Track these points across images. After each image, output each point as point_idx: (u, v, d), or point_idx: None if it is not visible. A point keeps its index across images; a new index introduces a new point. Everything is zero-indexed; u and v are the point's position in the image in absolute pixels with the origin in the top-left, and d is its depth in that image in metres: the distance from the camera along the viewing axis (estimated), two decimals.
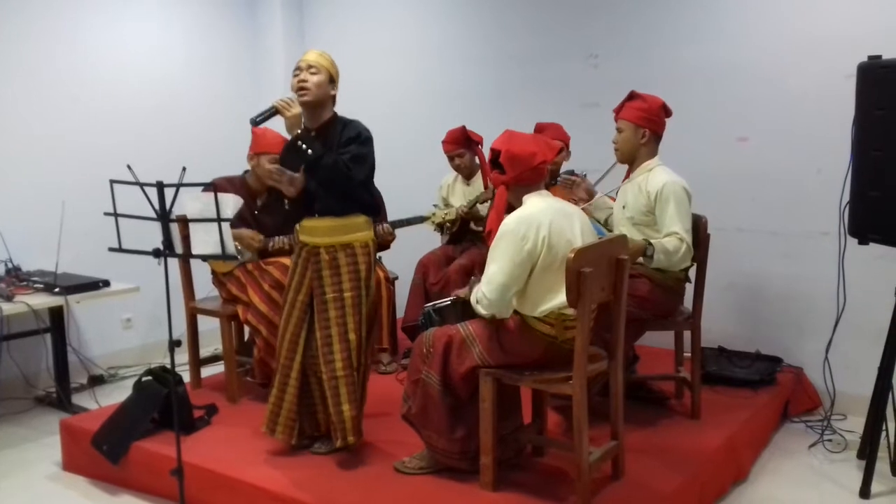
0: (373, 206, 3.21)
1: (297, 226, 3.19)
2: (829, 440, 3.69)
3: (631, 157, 3.48)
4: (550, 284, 2.69)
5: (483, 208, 4.40)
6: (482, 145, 4.44)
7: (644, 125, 3.42)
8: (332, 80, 3.10)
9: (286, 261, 3.85)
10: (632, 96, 3.48)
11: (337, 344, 3.08)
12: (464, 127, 4.45)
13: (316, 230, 3.11)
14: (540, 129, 4.10)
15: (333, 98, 3.13)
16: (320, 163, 2.95)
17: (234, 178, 4.02)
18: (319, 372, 3.15)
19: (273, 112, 3.01)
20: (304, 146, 2.95)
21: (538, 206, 2.73)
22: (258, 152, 3.91)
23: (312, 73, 3.03)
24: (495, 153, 2.81)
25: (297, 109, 2.97)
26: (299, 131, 2.97)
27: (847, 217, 3.25)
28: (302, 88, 3.02)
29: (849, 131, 3.21)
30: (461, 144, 4.47)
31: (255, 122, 3.08)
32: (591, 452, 2.76)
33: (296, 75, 3.06)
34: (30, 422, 4.21)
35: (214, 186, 2.75)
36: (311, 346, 3.16)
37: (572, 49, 4.78)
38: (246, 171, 4.07)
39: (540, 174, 2.81)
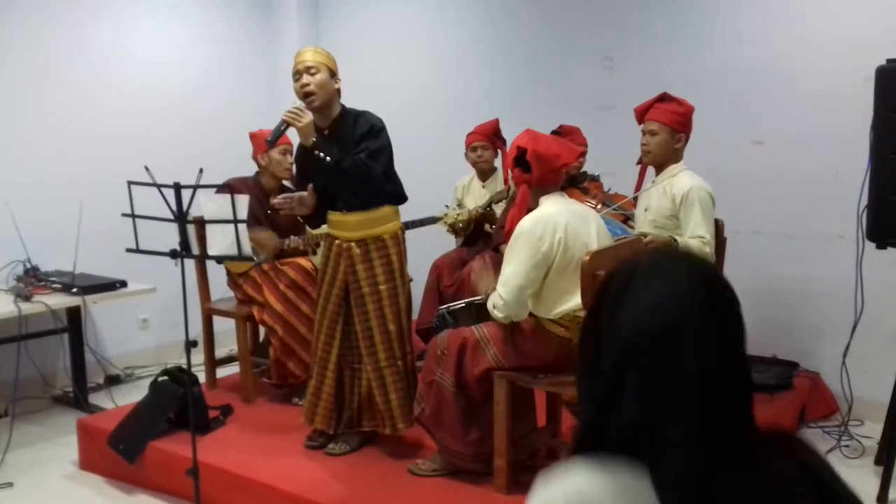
0: (398, 195, 3.22)
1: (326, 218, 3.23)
2: (847, 446, 3.65)
3: (663, 160, 3.42)
4: (565, 286, 2.69)
5: (498, 209, 4.40)
6: (506, 145, 4.45)
7: (681, 129, 3.38)
8: (333, 73, 3.09)
9: (302, 261, 3.88)
10: (664, 98, 3.42)
11: (377, 336, 3.13)
12: (497, 120, 4.46)
13: (345, 225, 3.13)
14: (566, 132, 4.09)
15: (338, 91, 3.13)
16: (340, 167, 2.95)
17: (247, 179, 4.06)
18: (355, 364, 3.19)
19: (285, 126, 3.00)
20: (322, 155, 2.95)
21: (554, 208, 2.73)
22: (265, 151, 3.97)
23: (313, 74, 3.02)
24: (520, 150, 2.78)
25: (307, 118, 2.96)
26: (314, 139, 2.97)
27: (865, 221, 3.22)
28: (308, 94, 3.01)
29: (867, 134, 3.18)
30: (489, 137, 4.47)
31: (272, 143, 3.10)
32: None
33: (297, 79, 3.04)
34: (47, 421, 4.25)
35: (230, 188, 2.77)
36: (348, 339, 3.19)
37: (587, 52, 4.76)
38: (258, 172, 4.10)
39: (559, 176, 2.82)
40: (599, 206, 3.70)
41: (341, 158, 2.96)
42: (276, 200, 3.15)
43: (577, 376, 1.02)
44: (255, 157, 4.07)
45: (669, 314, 0.94)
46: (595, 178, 4.24)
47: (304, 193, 3.11)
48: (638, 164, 3.57)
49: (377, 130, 3.07)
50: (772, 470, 0.95)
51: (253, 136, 4.07)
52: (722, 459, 0.93)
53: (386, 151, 3.09)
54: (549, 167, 2.75)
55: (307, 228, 3.50)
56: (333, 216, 3.17)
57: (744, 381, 0.99)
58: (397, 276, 3.17)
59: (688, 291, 0.96)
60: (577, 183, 4.12)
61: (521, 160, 2.78)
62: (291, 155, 3.98)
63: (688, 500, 0.91)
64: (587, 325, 1.04)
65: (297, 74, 3.04)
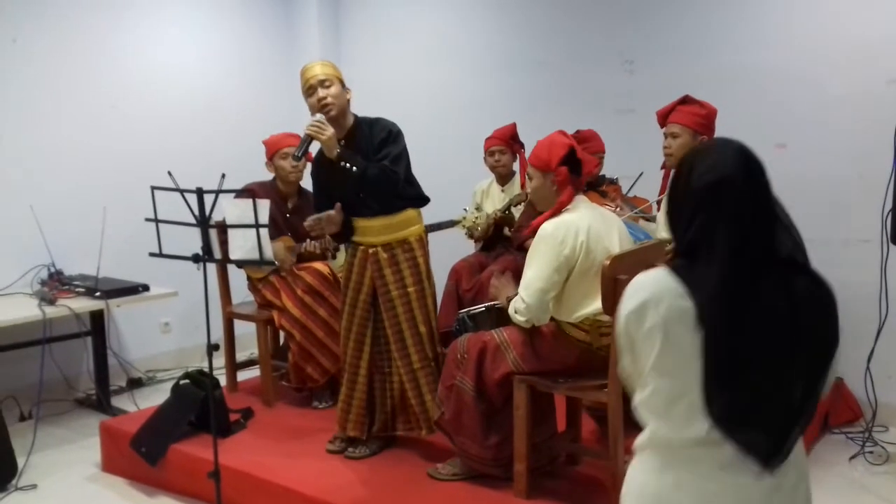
0: (420, 198, 3.24)
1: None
2: (871, 452, 3.61)
3: None
4: (586, 290, 2.68)
5: (517, 213, 4.39)
6: (524, 149, 4.45)
7: (703, 132, 3.35)
8: (343, 84, 3.12)
9: (319, 266, 3.89)
10: (686, 100, 3.40)
11: (409, 339, 3.15)
12: (515, 125, 4.46)
13: (370, 230, 3.14)
14: (583, 137, 4.07)
15: (348, 102, 3.15)
16: (367, 176, 2.97)
17: (265, 183, 4.09)
18: (385, 368, 3.21)
19: (310, 140, 3.02)
20: (347, 165, 2.97)
21: (577, 212, 2.72)
22: (270, 158, 4.03)
23: (328, 87, 3.05)
24: (571, 149, 2.74)
25: (330, 131, 2.98)
26: (338, 151, 2.98)
27: (890, 224, 3.19)
28: (326, 105, 3.03)
29: (891, 137, 3.15)
30: (506, 141, 4.46)
31: (299, 156, 3.10)
32: (627, 461, 2.73)
33: (311, 95, 3.06)
34: (70, 423, 4.29)
35: (252, 192, 2.79)
36: (378, 343, 3.21)
37: (607, 55, 4.75)
38: (275, 177, 4.12)
39: (584, 181, 2.84)
40: (619, 210, 3.68)
41: (366, 167, 2.98)
42: (308, 223, 3.16)
43: (669, 220, 1.60)
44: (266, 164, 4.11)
45: (719, 174, 1.50)
46: (613, 182, 4.22)
47: (332, 212, 3.11)
48: (662, 168, 3.55)
49: (395, 135, 3.10)
50: (771, 286, 1.46)
51: (266, 144, 4.09)
52: (746, 273, 1.45)
53: (405, 155, 3.12)
54: (588, 170, 2.78)
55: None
56: (357, 223, 3.18)
57: (768, 222, 1.51)
58: (424, 277, 3.19)
59: (731, 161, 1.52)
60: (595, 186, 4.10)
61: (571, 159, 2.75)
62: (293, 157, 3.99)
63: (716, 296, 1.43)
64: (674, 185, 1.59)
65: (311, 90, 3.06)
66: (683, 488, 1.50)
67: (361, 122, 3.16)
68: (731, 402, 1.45)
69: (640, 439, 1.58)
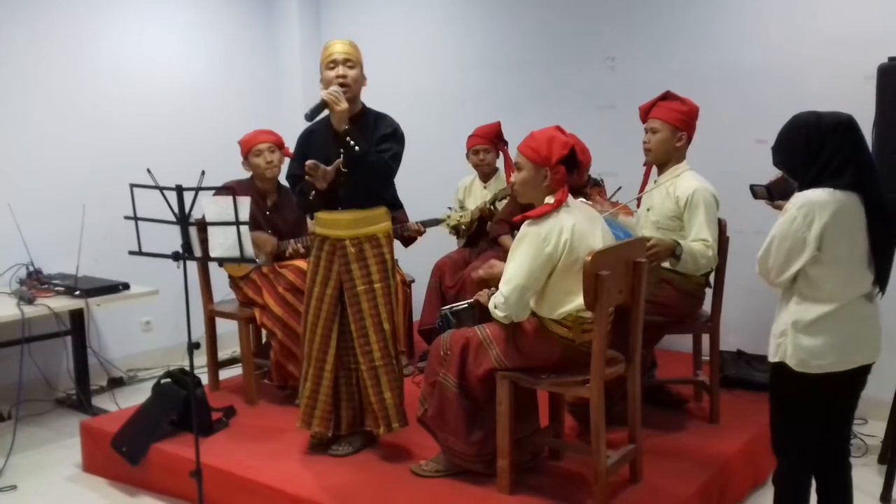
0: (396, 201, 3.24)
1: (313, 218, 3.19)
2: (850, 445, 3.64)
3: (664, 159, 3.41)
4: (569, 287, 2.68)
5: (501, 207, 4.39)
6: (508, 146, 4.45)
7: (683, 128, 3.36)
8: (362, 71, 3.11)
9: (301, 263, 3.87)
10: (667, 96, 3.41)
11: (373, 335, 3.11)
12: (499, 123, 4.45)
13: (339, 223, 3.11)
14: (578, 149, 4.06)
15: (361, 89, 3.13)
16: (366, 160, 2.95)
17: (243, 181, 4.06)
18: (351, 364, 3.18)
19: (323, 105, 2.98)
20: (352, 143, 2.95)
21: (563, 210, 2.71)
22: (245, 157, 4.01)
23: (350, 68, 3.03)
24: (572, 149, 2.73)
25: (345, 104, 2.94)
26: (346, 126, 2.96)
27: None
28: (344, 83, 3.00)
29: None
30: (490, 140, 4.46)
31: (310, 117, 3.05)
32: (609, 456, 2.75)
33: (331, 68, 3.03)
34: (50, 423, 4.26)
35: (232, 190, 2.77)
36: (344, 339, 3.18)
37: (589, 52, 4.76)
38: (253, 175, 4.09)
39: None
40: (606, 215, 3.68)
41: (369, 151, 2.97)
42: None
43: (801, 168, 2.38)
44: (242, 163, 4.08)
45: (845, 117, 2.33)
46: (598, 184, 4.20)
47: (330, 168, 3.01)
48: (644, 165, 3.56)
49: (400, 136, 3.10)
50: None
51: (240, 143, 4.05)
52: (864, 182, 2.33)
53: (400, 159, 3.11)
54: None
55: (308, 227, 3.49)
56: (326, 216, 3.14)
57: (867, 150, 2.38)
58: (390, 274, 3.17)
59: (836, 112, 2.37)
60: (579, 188, 4.09)
61: (571, 159, 2.73)
62: (273, 153, 3.97)
63: (876, 194, 2.34)
64: (806, 141, 2.35)
65: (333, 63, 3.03)
66: (846, 317, 2.36)
67: (368, 112, 3.14)
68: (885, 266, 2.39)
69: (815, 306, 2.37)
